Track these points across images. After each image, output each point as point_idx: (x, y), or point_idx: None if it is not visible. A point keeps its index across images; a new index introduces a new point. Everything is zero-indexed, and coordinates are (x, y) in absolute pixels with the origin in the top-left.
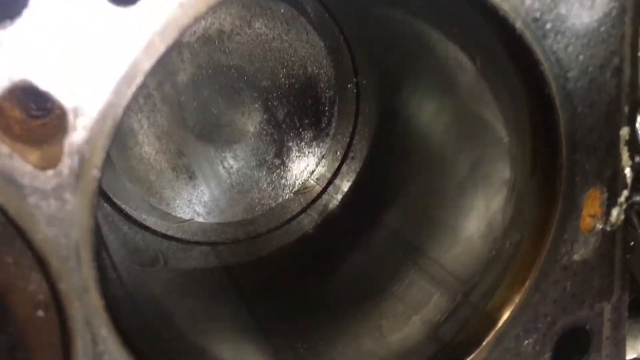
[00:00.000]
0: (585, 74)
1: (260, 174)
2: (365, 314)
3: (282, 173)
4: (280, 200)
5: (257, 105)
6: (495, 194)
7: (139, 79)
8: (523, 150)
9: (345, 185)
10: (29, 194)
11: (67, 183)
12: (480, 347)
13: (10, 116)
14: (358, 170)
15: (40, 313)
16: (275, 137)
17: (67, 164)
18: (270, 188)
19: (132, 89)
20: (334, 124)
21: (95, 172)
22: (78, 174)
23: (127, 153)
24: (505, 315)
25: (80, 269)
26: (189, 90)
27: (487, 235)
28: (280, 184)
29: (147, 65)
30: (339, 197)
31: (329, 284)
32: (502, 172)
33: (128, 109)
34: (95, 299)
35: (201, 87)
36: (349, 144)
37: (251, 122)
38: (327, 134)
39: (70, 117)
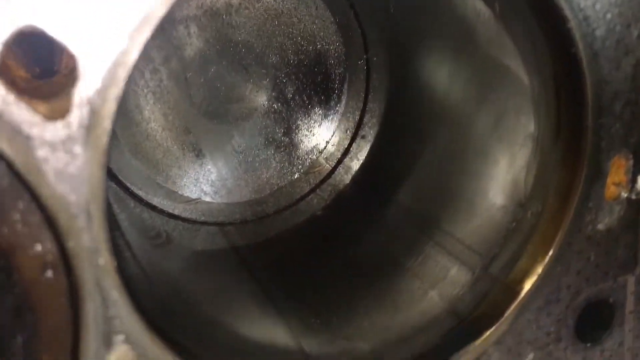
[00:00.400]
0: (612, 33)
1: (268, 153)
2: (379, 290)
3: (291, 152)
4: (289, 180)
5: (265, 82)
6: (520, 148)
7: (152, 26)
8: (547, 109)
9: (356, 164)
10: (37, 146)
11: (77, 135)
12: (501, 320)
13: (16, 75)
14: (369, 148)
15: (48, 274)
16: (284, 115)
17: (77, 115)
18: (279, 167)
19: (145, 35)
20: (343, 102)
21: (106, 124)
22: (88, 125)
23: (133, 130)
24: (527, 286)
25: (91, 228)
26: (196, 66)
27: (507, 205)
28: (289, 163)
29: (161, 11)
30: (349, 176)
31: (341, 263)
32: (527, 125)
33: (139, 60)
34: (106, 260)
35: (208, 63)
36: (359, 122)
37: (259, 99)
38: (337, 112)
39: (81, 65)
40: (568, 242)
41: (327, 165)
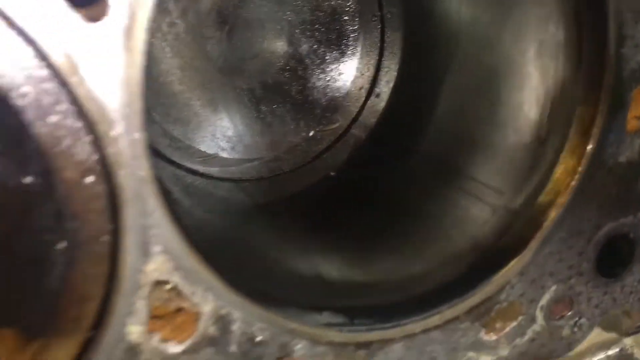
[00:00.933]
0: None
1: (284, 110)
2: (399, 234)
3: (306, 109)
4: (305, 137)
5: (281, 39)
6: (550, 60)
7: None
8: (569, 32)
9: (372, 120)
10: (75, 46)
11: (116, 37)
12: (524, 251)
13: None
14: (384, 104)
15: (88, 180)
16: (299, 72)
17: (115, 16)
18: (294, 125)
19: None
20: (357, 59)
21: (144, 25)
22: (126, 27)
23: (151, 83)
24: (550, 218)
25: (130, 134)
26: (213, 21)
27: (527, 143)
28: (304, 120)
29: None
30: (366, 132)
31: (359, 214)
32: (556, 34)
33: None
34: (144, 168)
35: (225, 18)
36: (374, 79)
37: (275, 56)
38: (351, 69)
39: None
40: (589, 176)
41: (343, 122)
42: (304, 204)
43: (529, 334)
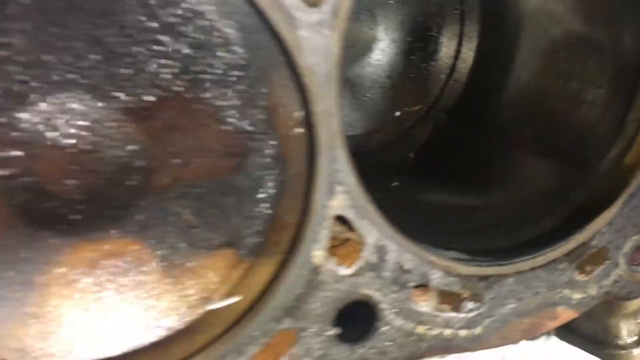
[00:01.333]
0: None
1: (374, 93)
2: (488, 204)
3: (393, 93)
4: (392, 117)
5: (374, 30)
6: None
7: None
8: None
9: (450, 102)
10: (299, 26)
11: (327, 19)
12: (613, 205)
13: None
14: (461, 89)
15: (297, 130)
16: (388, 60)
17: (329, 3)
18: (383, 106)
19: None
20: (439, 47)
21: (346, 12)
22: (334, 12)
23: None
24: (635, 177)
25: (329, 96)
26: None
27: (603, 116)
28: (391, 103)
29: None
30: (445, 113)
31: (446, 189)
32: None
33: None
34: (337, 123)
35: None
36: (453, 66)
37: (368, 44)
38: (433, 57)
39: None
40: None
41: (425, 104)
42: (392, 177)
43: (613, 276)
